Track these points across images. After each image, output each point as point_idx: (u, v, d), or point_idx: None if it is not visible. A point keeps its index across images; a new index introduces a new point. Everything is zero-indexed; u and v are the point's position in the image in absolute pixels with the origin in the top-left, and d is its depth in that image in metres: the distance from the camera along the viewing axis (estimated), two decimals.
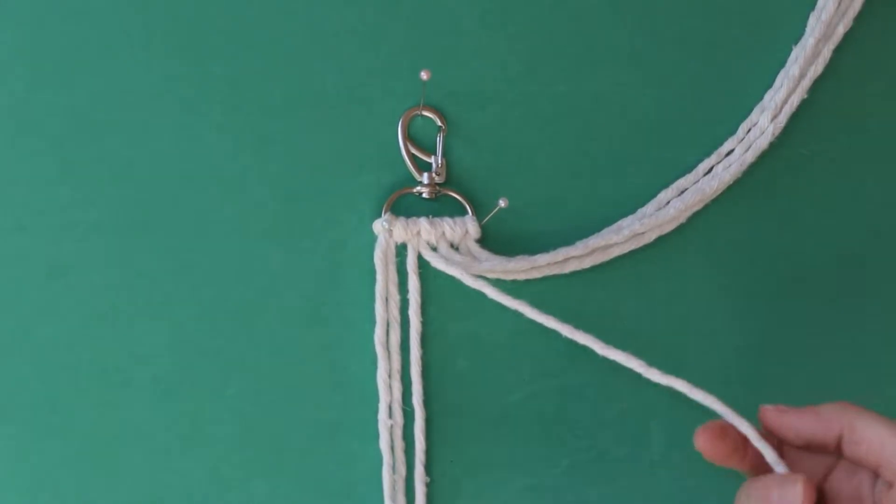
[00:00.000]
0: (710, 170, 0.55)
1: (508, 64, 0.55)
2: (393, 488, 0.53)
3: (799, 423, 0.47)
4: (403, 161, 0.54)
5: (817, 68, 0.55)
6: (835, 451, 0.46)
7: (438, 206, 0.54)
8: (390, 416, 0.53)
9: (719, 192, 0.55)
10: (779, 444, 0.47)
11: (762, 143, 0.55)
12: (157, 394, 0.53)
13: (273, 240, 0.53)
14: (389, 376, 0.53)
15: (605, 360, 0.55)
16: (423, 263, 0.53)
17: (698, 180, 0.55)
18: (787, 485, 0.44)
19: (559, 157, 0.55)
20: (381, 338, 0.53)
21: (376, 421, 0.53)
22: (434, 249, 0.53)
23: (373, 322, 0.53)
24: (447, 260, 0.53)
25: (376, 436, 0.53)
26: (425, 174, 0.54)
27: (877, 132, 0.57)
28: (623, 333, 0.55)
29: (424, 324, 0.54)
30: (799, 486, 0.43)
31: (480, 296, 0.54)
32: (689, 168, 0.55)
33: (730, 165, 0.55)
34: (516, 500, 0.55)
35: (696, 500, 0.56)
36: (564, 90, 0.55)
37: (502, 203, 0.53)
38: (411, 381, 0.54)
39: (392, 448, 0.53)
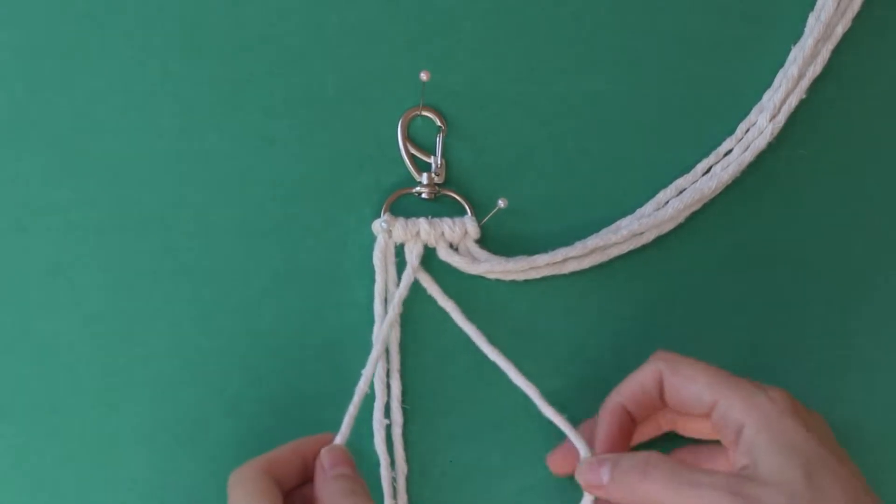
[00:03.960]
0: (709, 170, 0.55)
1: (508, 64, 0.55)
2: (393, 487, 0.53)
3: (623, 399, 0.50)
4: (403, 161, 0.54)
5: (816, 68, 0.55)
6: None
7: (438, 207, 0.54)
8: (387, 415, 0.53)
9: (718, 192, 0.55)
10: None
11: (760, 143, 0.55)
12: (157, 394, 0.53)
13: (273, 240, 0.53)
14: (388, 375, 0.54)
15: (603, 360, 0.55)
16: (425, 264, 0.54)
17: (697, 180, 0.55)
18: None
19: (558, 158, 0.55)
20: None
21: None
22: (433, 250, 0.54)
23: (373, 322, 0.53)
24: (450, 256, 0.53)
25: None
26: (425, 174, 0.54)
27: (875, 132, 0.57)
28: (622, 333, 0.55)
29: (423, 324, 0.54)
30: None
31: (479, 296, 0.54)
32: (688, 168, 0.55)
33: (728, 165, 0.55)
34: (516, 499, 0.55)
35: None
36: (564, 90, 0.55)
37: (502, 203, 0.53)
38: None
39: (391, 447, 0.53)
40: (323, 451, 0.50)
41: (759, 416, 0.46)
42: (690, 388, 0.48)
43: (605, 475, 0.48)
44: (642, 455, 0.47)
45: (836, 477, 0.45)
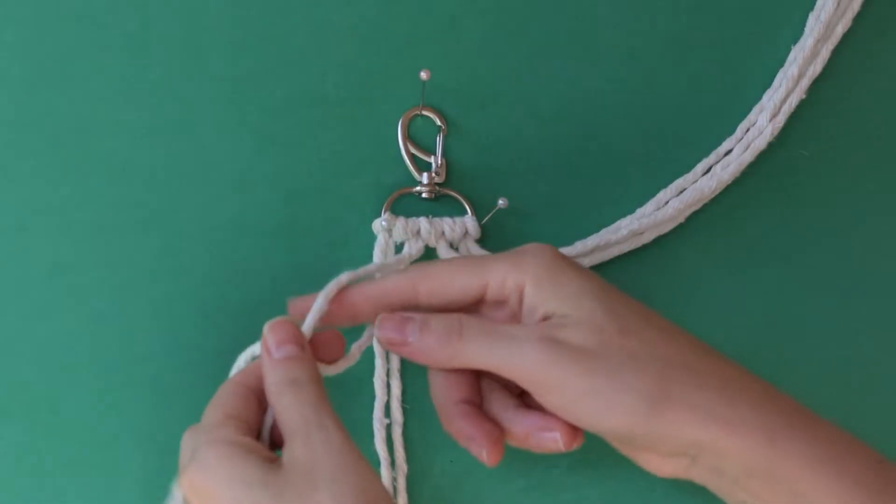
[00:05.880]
0: (709, 170, 0.55)
1: (508, 64, 0.55)
2: (393, 486, 0.53)
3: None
4: (403, 161, 0.54)
5: (816, 68, 0.55)
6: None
7: (438, 206, 0.54)
8: (387, 415, 0.53)
9: (718, 192, 0.55)
10: None
11: (761, 143, 0.55)
12: (157, 394, 0.53)
13: (273, 239, 0.53)
14: (388, 375, 0.54)
15: None
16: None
17: (697, 180, 0.55)
18: None
19: (559, 157, 0.55)
20: None
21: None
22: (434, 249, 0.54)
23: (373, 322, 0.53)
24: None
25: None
26: (425, 174, 0.54)
27: (875, 132, 0.57)
28: None
29: None
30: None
31: None
32: (688, 168, 0.55)
33: (728, 165, 0.55)
34: (516, 500, 0.55)
35: (695, 500, 0.56)
36: (564, 90, 0.55)
37: (501, 203, 0.53)
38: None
39: (391, 446, 0.53)
40: (266, 326, 0.46)
41: (534, 272, 0.46)
42: (453, 286, 0.47)
43: (411, 334, 0.46)
44: (453, 316, 0.46)
45: (625, 301, 0.46)
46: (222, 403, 0.45)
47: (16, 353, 0.52)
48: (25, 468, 0.52)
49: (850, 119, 0.57)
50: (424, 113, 0.54)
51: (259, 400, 0.46)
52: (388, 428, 0.53)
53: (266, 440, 0.46)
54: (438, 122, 0.54)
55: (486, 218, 0.54)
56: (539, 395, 0.45)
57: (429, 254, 0.53)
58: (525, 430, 0.47)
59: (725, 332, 0.56)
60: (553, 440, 0.46)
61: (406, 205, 0.54)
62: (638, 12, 0.56)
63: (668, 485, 0.55)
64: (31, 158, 0.52)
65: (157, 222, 0.53)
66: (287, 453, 0.43)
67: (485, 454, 0.46)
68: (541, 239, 0.54)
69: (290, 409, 0.44)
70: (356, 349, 0.48)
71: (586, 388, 0.44)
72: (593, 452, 0.55)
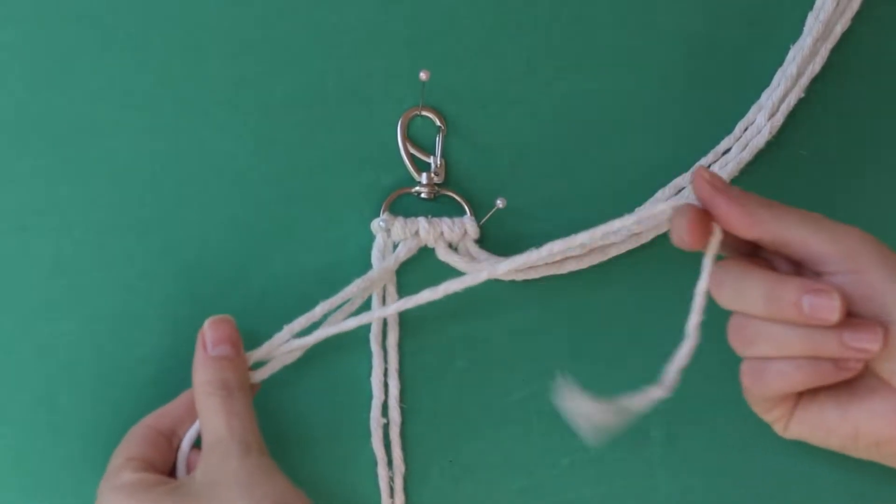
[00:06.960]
0: (707, 168, 0.55)
1: (508, 64, 0.55)
2: (390, 486, 0.53)
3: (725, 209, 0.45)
4: (403, 161, 0.54)
5: (815, 67, 0.55)
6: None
7: (437, 206, 0.54)
8: (384, 414, 0.53)
9: None
10: None
11: (759, 141, 0.55)
12: (157, 394, 0.53)
13: (273, 239, 0.54)
14: (385, 375, 0.54)
15: (605, 359, 0.55)
16: (424, 264, 0.54)
17: None
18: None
19: (557, 157, 0.55)
20: (377, 336, 0.53)
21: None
22: (432, 249, 0.54)
23: (371, 322, 0.53)
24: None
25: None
26: (424, 174, 0.54)
27: (874, 132, 0.57)
28: (622, 332, 0.55)
29: (424, 323, 0.54)
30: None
31: (479, 296, 0.54)
32: (687, 167, 0.55)
33: (727, 164, 0.55)
34: (516, 500, 0.55)
35: (696, 500, 0.56)
36: (564, 90, 0.55)
37: (500, 203, 0.53)
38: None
39: (388, 446, 0.53)
40: (207, 322, 0.48)
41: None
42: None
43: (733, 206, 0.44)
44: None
45: None
46: (125, 448, 0.48)
47: (16, 353, 0.52)
48: (25, 468, 0.52)
49: (849, 118, 0.57)
50: (424, 113, 0.54)
51: (168, 440, 0.48)
52: (386, 428, 0.53)
53: (183, 470, 0.48)
54: (438, 123, 0.54)
55: (485, 218, 0.54)
56: (852, 272, 0.43)
57: (428, 253, 0.54)
58: None
59: (724, 330, 0.56)
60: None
61: (405, 205, 0.54)
62: (637, 12, 0.56)
63: (669, 485, 0.55)
64: (31, 158, 0.52)
65: (157, 222, 0.53)
66: (203, 464, 0.44)
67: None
68: (540, 238, 0.54)
69: (217, 414, 0.45)
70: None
71: None
72: (593, 452, 0.55)
